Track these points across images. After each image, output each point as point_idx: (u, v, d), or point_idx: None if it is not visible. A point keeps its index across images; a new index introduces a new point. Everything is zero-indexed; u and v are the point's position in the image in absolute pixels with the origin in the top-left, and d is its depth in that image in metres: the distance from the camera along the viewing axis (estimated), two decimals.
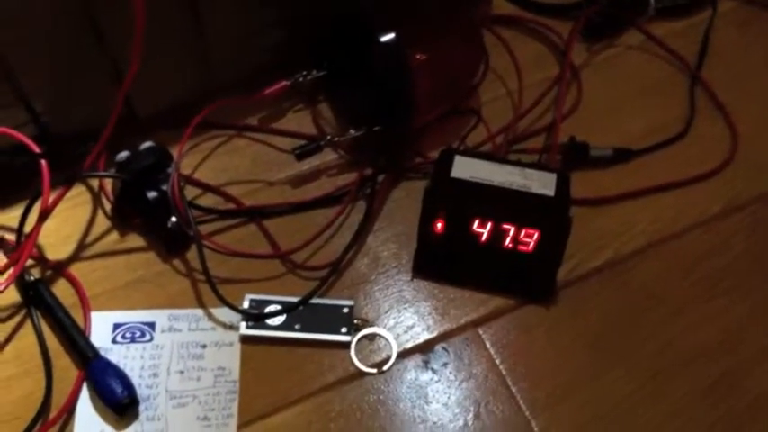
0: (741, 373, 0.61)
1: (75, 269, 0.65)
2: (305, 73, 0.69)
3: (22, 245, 0.62)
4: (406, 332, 0.63)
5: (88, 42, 0.62)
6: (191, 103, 0.68)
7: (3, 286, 0.60)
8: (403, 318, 0.63)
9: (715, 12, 0.78)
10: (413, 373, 0.61)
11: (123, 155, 0.65)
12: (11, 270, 0.61)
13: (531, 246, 0.62)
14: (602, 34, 0.76)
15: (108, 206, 0.67)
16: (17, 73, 0.60)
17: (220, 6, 0.65)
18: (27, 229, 0.62)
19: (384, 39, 0.65)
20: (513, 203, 0.62)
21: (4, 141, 0.61)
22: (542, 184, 0.63)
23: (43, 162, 0.60)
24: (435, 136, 0.70)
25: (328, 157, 0.70)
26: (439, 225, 0.63)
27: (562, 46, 0.76)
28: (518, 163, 0.65)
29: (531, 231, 0.61)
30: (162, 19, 0.60)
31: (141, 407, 0.60)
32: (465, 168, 0.64)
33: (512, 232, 0.61)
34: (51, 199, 0.61)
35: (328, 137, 0.68)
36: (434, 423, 0.59)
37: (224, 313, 0.63)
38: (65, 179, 0.63)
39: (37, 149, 0.61)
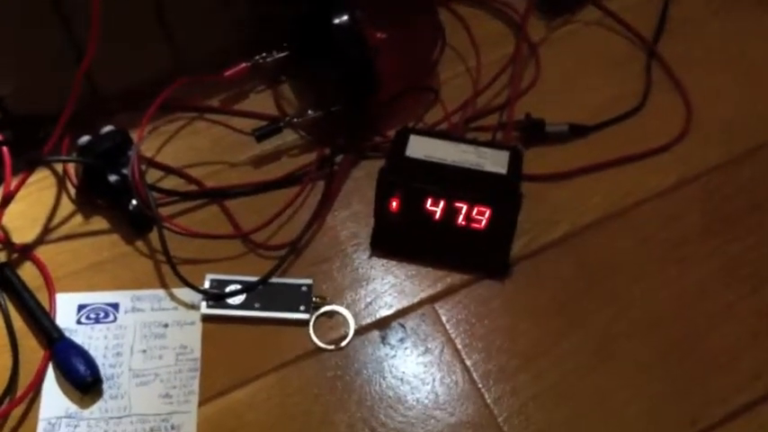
0: (695, 339, 0.62)
1: (41, 252, 0.66)
2: (265, 54, 0.70)
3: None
4: (364, 309, 0.64)
5: (50, 22, 0.62)
6: (154, 85, 0.68)
7: None
8: (360, 295, 0.65)
9: None
10: (370, 349, 0.63)
11: (84, 139, 0.66)
12: None
13: (484, 223, 0.63)
14: (560, 10, 0.77)
15: (72, 189, 0.69)
16: None
17: None
18: None
19: (343, 17, 0.66)
20: (464, 181, 0.63)
21: None
22: (495, 161, 0.64)
23: (4, 149, 0.61)
24: (394, 115, 0.71)
25: (289, 137, 0.71)
26: (394, 204, 0.64)
27: (519, 22, 0.76)
28: (472, 141, 0.67)
29: (482, 209, 0.62)
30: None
31: (105, 385, 0.61)
32: (419, 147, 0.65)
33: (464, 210, 0.63)
34: (14, 183, 0.63)
35: (288, 118, 0.69)
36: (390, 397, 0.61)
37: (185, 293, 0.64)
38: (27, 163, 0.65)
39: None
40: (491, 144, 0.67)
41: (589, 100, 0.73)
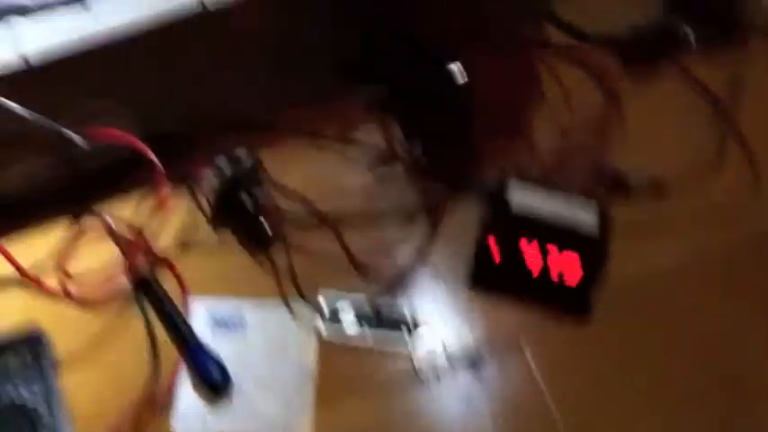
0: None
1: (177, 261, 0.74)
2: (375, 90, 0.77)
3: (136, 241, 0.72)
4: (458, 339, 0.73)
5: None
6: (273, 112, 0.76)
7: (118, 278, 0.70)
8: (455, 326, 0.73)
9: (747, 49, 0.85)
10: (459, 377, 0.71)
11: (221, 160, 0.74)
12: (124, 263, 0.71)
13: (574, 270, 0.72)
14: (643, 65, 0.84)
15: (205, 205, 0.76)
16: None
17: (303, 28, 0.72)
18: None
19: (449, 66, 0.74)
20: (557, 232, 0.72)
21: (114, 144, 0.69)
22: (585, 213, 0.73)
23: (159, 168, 0.69)
24: (491, 158, 0.79)
25: (397, 170, 0.79)
26: (492, 246, 0.73)
27: (606, 74, 0.84)
28: (563, 191, 0.75)
29: (573, 257, 0.71)
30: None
31: (232, 389, 0.70)
32: (517, 195, 0.74)
33: (556, 258, 0.72)
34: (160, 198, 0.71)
35: (399, 154, 0.77)
36: (475, 426, 0.70)
37: (304, 309, 0.73)
38: (172, 181, 0.72)
39: (154, 157, 0.69)
40: (580, 195, 0.75)
41: (667, 153, 0.81)
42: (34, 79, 0.59)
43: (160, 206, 0.71)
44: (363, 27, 0.73)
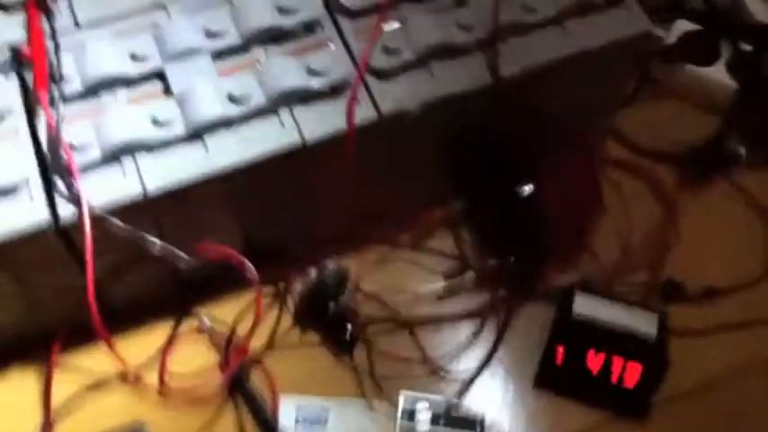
0: None
1: (268, 361, 0.81)
2: (451, 204, 0.85)
3: (231, 341, 0.80)
4: None
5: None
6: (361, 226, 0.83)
7: (215, 377, 0.78)
8: (523, 423, 0.79)
9: None
10: None
11: (312, 275, 0.81)
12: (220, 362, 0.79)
13: (635, 378, 0.78)
14: (698, 180, 0.90)
15: (294, 308, 0.83)
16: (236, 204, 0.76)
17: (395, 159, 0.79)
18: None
19: (524, 189, 0.81)
20: (621, 342, 0.78)
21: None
22: (646, 323, 0.79)
23: (256, 280, 0.76)
24: (558, 266, 0.85)
25: (468, 276, 0.86)
26: (559, 353, 0.79)
27: (663, 188, 0.90)
28: (625, 302, 0.81)
29: (635, 367, 0.77)
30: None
31: None
32: (583, 305, 0.80)
33: (619, 366, 0.77)
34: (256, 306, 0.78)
35: (472, 266, 0.84)
36: None
37: (382, 408, 0.79)
38: (266, 285, 0.80)
39: (252, 271, 0.76)
40: (641, 305, 0.81)
41: (720, 266, 0.86)
42: (152, 207, 0.67)
43: (255, 313, 0.78)
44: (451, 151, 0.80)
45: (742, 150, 0.90)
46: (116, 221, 0.66)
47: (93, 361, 0.79)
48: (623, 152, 0.92)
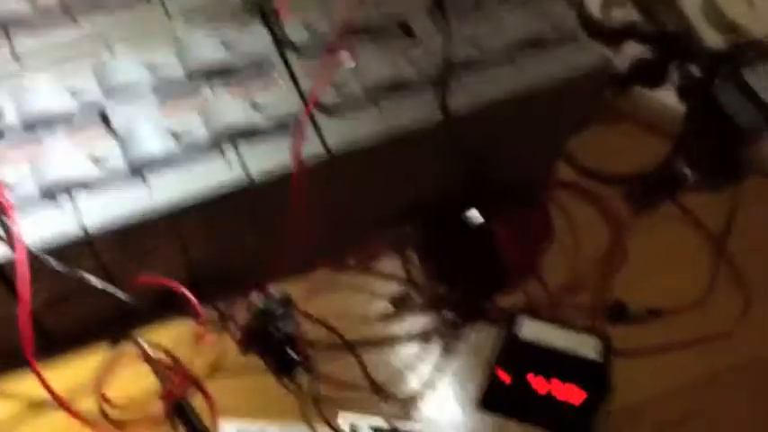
0: None
1: (209, 385, 0.80)
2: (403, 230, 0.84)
3: (171, 366, 0.78)
4: None
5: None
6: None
7: (154, 401, 0.77)
8: None
9: (742, 187, 0.92)
10: None
11: (253, 294, 0.80)
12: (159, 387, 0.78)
13: (578, 400, 0.78)
14: (646, 206, 0.91)
15: (236, 333, 0.82)
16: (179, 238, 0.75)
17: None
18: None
19: (474, 219, 0.81)
20: (564, 366, 0.79)
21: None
22: (589, 347, 0.80)
23: (198, 309, 0.75)
24: (506, 290, 0.86)
25: (415, 300, 0.85)
26: (503, 376, 0.80)
27: (612, 212, 0.90)
28: (570, 325, 0.82)
29: (578, 391, 0.78)
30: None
31: None
32: (528, 329, 0.80)
33: (562, 390, 0.78)
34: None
35: (418, 293, 0.83)
36: None
37: (326, 430, 0.79)
38: (207, 308, 0.78)
39: (193, 300, 0.75)
40: (586, 329, 0.82)
41: (665, 286, 0.87)
42: (90, 244, 0.65)
43: (197, 339, 0.76)
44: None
45: (689, 173, 0.90)
46: (52, 260, 0.64)
47: (31, 385, 0.76)
48: (573, 175, 0.92)
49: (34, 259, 0.63)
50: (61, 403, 0.74)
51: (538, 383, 0.79)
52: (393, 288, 0.86)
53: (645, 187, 0.90)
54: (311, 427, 0.79)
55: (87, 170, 0.64)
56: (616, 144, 0.93)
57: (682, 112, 0.90)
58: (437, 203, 0.81)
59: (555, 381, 0.79)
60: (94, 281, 0.66)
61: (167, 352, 0.80)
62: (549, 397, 0.79)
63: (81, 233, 0.64)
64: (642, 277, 0.88)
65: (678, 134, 0.89)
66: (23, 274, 0.62)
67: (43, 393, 0.76)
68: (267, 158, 0.67)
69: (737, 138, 0.88)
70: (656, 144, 0.92)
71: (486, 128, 0.73)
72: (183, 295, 0.71)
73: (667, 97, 0.91)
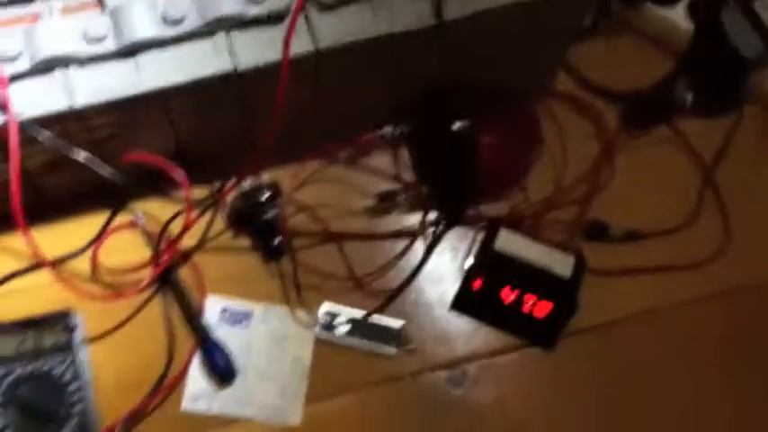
0: None
1: (196, 258, 0.84)
2: (392, 128, 0.86)
3: (164, 239, 0.82)
4: (437, 352, 0.83)
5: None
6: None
7: (148, 280, 0.81)
8: (437, 340, 0.83)
9: (741, 117, 0.92)
10: (435, 386, 0.82)
11: (246, 184, 0.83)
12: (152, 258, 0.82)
13: (545, 314, 0.82)
14: (640, 125, 0.91)
15: (227, 214, 0.85)
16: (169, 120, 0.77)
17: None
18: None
19: (458, 126, 0.82)
20: (535, 280, 0.82)
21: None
22: (563, 264, 0.82)
23: (186, 185, 0.78)
24: (489, 196, 0.88)
25: (401, 196, 0.87)
26: (477, 283, 0.82)
27: (605, 128, 0.91)
28: (546, 243, 0.84)
29: (546, 305, 0.81)
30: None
31: (236, 378, 0.81)
32: (505, 241, 0.83)
33: (531, 303, 0.81)
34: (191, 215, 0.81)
35: (404, 192, 0.86)
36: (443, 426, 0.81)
37: (304, 315, 0.83)
38: (201, 186, 0.82)
39: (181, 178, 0.77)
40: (562, 247, 0.84)
41: (648, 209, 0.88)
42: (79, 119, 0.68)
43: (187, 214, 0.79)
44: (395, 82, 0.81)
45: (689, 96, 0.90)
46: (41, 130, 0.67)
47: (25, 247, 0.81)
48: (570, 86, 0.92)
49: (24, 128, 0.66)
50: (45, 263, 0.78)
51: (508, 293, 0.82)
52: (381, 185, 0.88)
53: (641, 106, 0.90)
54: (291, 311, 0.83)
55: (80, 47, 0.66)
56: (619, 59, 0.93)
57: (689, 31, 0.89)
58: (428, 103, 0.82)
59: (523, 292, 0.82)
60: (80, 152, 0.69)
61: (159, 224, 0.83)
62: (516, 307, 0.83)
63: (70, 107, 0.67)
64: (626, 198, 0.89)
65: (682, 55, 0.89)
66: (13, 142, 0.65)
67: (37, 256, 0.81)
68: (257, 48, 0.69)
69: (740, 66, 0.88)
70: (660, 62, 0.91)
71: (481, 35, 0.73)
72: (169, 170, 0.74)
73: (676, 14, 0.89)
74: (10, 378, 0.77)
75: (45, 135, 0.68)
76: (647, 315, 0.85)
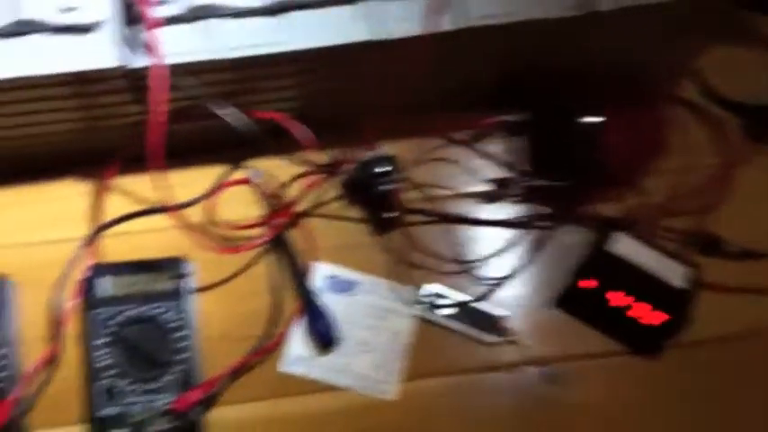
0: None
1: (310, 222, 0.85)
2: (514, 115, 0.86)
3: (284, 204, 0.84)
4: (536, 346, 0.82)
5: None
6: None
7: (264, 238, 0.82)
8: (538, 336, 0.83)
9: None
10: (529, 380, 0.82)
11: (369, 155, 0.84)
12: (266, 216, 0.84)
13: (655, 323, 0.81)
14: (762, 137, 0.89)
15: (343, 183, 0.86)
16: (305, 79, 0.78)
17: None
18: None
19: (584, 121, 0.81)
20: (650, 288, 0.81)
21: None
22: (677, 275, 0.82)
23: (311, 143, 0.79)
24: (606, 198, 0.87)
25: (514, 187, 0.87)
26: (586, 283, 0.82)
27: (727, 139, 0.89)
28: (662, 249, 0.83)
29: (659, 315, 0.80)
30: None
31: (337, 346, 0.81)
32: (619, 244, 0.83)
33: (642, 311, 0.80)
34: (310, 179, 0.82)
35: (520, 180, 0.85)
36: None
37: (408, 292, 0.83)
38: (325, 169, 0.84)
39: (309, 138, 0.79)
40: (678, 256, 0.83)
41: (764, 227, 0.87)
42: (218, 69, 0.70)
43: (307, 177, 0.80)
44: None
45: None
46: (184, 77, 0.68)
47: (145, 190, 0.82)
48: (693, 93, 0.91)
49: (166, 72, 0.68)
50: (164, 207, 0.80)
51: (616, 297, 0.82)
52: (496, 171, 0.88)
53: (765, 119, 0.88)
54: (396, 286, 0.84)
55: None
56: (749, 70, 0.91)
57: None
58: (552, 94, 0.82)
59: (636, 299, 0.81)
60: (216, 105, 0.71)
61: (277, 184, 0.84)
62: (624, 313, 0.82)
63: (214, 57, 0.68)
64: (744, 213, 0.87)
65: None
66: (157, 86, 0.67)
67: (155, 200, 0.82)
68: (400, 18, 0.70)
69: None
70: None
71: (625, 30, 0.73)
72: (296, 131, 0.74)
73: None
74: (119, 318, 0.78)
75: (187, 82, 0.69)
76: (756, 335, 0.84)
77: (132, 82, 0.70)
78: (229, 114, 0.74)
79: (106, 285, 0.79)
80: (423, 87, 0.76)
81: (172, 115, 0.73)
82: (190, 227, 0.82)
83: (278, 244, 0.84)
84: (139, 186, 0.83)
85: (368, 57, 0.71)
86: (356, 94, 0.80)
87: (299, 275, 0.83)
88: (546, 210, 0.87)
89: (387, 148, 0.85)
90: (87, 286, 0.79)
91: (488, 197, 0.87)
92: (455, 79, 0.79)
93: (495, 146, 0.89)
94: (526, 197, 0.87)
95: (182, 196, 0.82)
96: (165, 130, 0.71)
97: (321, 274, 0.84)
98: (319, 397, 0.80)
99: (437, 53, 0.72)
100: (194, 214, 0.83)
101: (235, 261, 0.83)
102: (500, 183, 0.87)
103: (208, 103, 0.72)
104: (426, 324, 0.83)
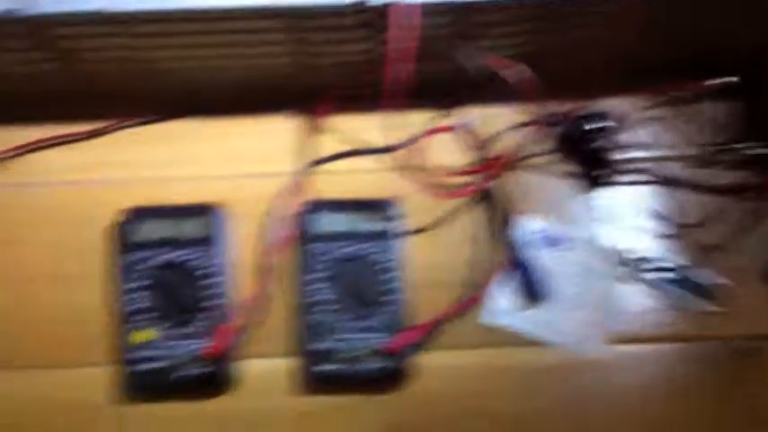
0: None
1: (520, 174, 0.83)
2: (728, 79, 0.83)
3: (499, 157, 0.82)
4: (746, 321, 0.80)
5: None
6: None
7: (477, 186, 0.81)
8: (749, 310, 0.80)
9: None
10: (729, 354, 0.79)
11: (585, 111, 0.82)
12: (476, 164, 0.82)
13: None
14: None
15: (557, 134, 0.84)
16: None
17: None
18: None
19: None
20: None
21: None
22: None
23: (530, 99, 0.77)
24: None
25: (732, 150, 0.84)
26: None
27: None
28: None
29: None
30: None
31: (545, 301, 0.80)
32: None
33: None
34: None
35: (740, 145, 0.83)
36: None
37: (617, 251, 0.81)
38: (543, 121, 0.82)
39: (533, 85, 0.77)
40: None
41: None
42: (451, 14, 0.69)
43: (520, 128, 0.80)
44: None
45: None
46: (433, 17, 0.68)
47: (358, 129, 0.82)
48: None
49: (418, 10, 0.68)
50: (379, 149, 0.81)
51: None
52: (712, 135, 0.85)
53: None
54: (604, 245, 0.82)
55: None
56: None
57: None
58: None
59: None
60: (459, 43, 0.70)
61: (488, 134, 0.83)
62: None
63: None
64: None
65: None
66: (403, 23, 0.67)
67: (369, 139, 0.82)
68: None
69: None
70: None
71: None
72: (520, 79, 0.73)
73: None
74: (334, 254, 0.78)
75: (437, 21, 0.68)
76: None
77: (367, 19, 0.69)
78: (466, 57, 0.72)
79: (322, 221, 0.78)
80: (641, 50, 0.75)
81: (406, 55, 0.72)
82: (402, 169, 0.81)
83: (487, 194, 0.83)
84: (348, 126, 0.83)
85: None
86: (579, 50, 0.78)
87: (506, 227, 0.81)
88: (763, 179, 0.83)
89: (602, 105, 0.83)
90: (303, 221, 0.78)
91: (702, 161, 0.84)
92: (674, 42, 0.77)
93: (712, 109, 0.86)
94: (742, 164, 0.84)
95: (388, 139, 0.82)
96: (409, 68, 0.70)
97: (530, 227, 0.82)
98: (526, 350, 0.79)
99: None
100: (404, 158, 0.82)
101: (440, 208, 0.82)
102: (715, 147, 0.84)
103: (445, 44, 0.71)
104: (635, 287, 0.81)
